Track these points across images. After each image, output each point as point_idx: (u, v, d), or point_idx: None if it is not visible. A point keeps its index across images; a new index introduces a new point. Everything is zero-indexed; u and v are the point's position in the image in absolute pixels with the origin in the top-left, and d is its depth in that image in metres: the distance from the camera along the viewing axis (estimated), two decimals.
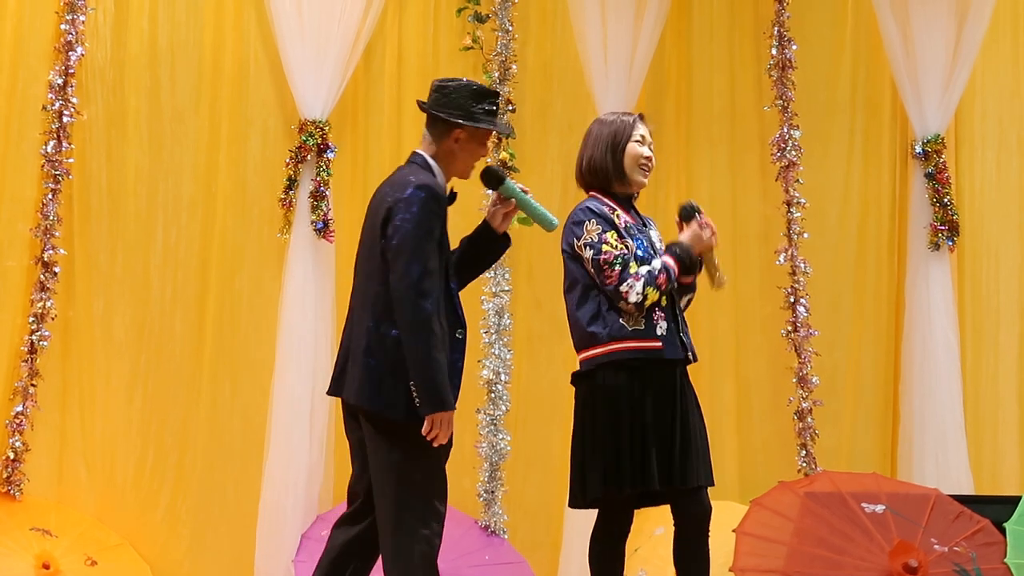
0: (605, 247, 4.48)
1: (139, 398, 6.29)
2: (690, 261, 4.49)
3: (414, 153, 4.27)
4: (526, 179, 6.60)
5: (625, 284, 4.46)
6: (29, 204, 6.15)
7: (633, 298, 4.44)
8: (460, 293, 4.25)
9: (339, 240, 6.41)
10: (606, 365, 4.46)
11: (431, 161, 4.24)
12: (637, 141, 4.59)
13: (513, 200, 4.33)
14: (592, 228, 4.52)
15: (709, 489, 4.51)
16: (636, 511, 4.63)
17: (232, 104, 6.49)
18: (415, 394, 3.99)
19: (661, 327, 4.44)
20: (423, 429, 3.99)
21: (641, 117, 4.67)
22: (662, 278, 4.45)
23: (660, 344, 4.42)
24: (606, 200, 4.58)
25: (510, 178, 4.36)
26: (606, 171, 4.59)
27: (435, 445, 4.01)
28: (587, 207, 4.57)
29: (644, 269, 4.47)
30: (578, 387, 4.55)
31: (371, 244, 4.15)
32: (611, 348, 4.46)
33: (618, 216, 4.54)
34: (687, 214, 4.55)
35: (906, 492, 4.83)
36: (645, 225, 4.66)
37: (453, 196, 4.27)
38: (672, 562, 4.61)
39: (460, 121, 4.20)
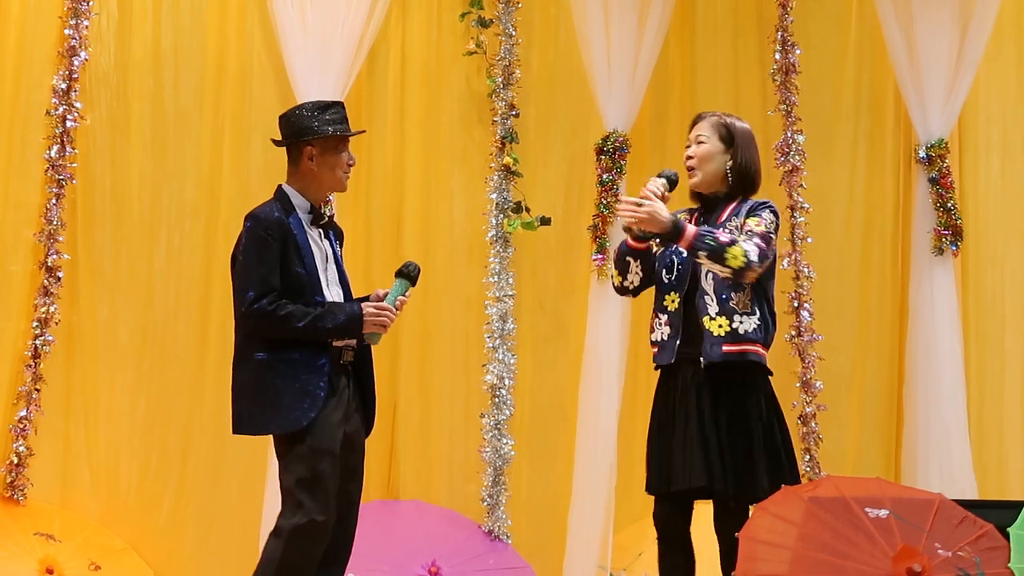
0: None
1: (143, 402, 6.29)
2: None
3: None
4: (529, 183, 6.61)
5: None
6: (33, 209, 6.15)
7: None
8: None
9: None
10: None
11: (287, 189, 4.43)
12: (687, 146, 4.70)
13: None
14: None
15: None
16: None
17: (235, 108, 6.49)
18: (335, 334, 4.26)
19: (660, 333, 4.59)
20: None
21: (699, 118, 4.72)
22: (616, 253, 4.67)
23: (656, 350, 4.62)
24: (695, 204, 4.73)
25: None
26: None
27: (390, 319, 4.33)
28: None
29: None
30: None
31: None
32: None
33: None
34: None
35: (910, 497, 4.80)
36: (716, 218, 4.63)
37: (319, 215, 4.42)
38: None
39: (307, 138, 4.35)
